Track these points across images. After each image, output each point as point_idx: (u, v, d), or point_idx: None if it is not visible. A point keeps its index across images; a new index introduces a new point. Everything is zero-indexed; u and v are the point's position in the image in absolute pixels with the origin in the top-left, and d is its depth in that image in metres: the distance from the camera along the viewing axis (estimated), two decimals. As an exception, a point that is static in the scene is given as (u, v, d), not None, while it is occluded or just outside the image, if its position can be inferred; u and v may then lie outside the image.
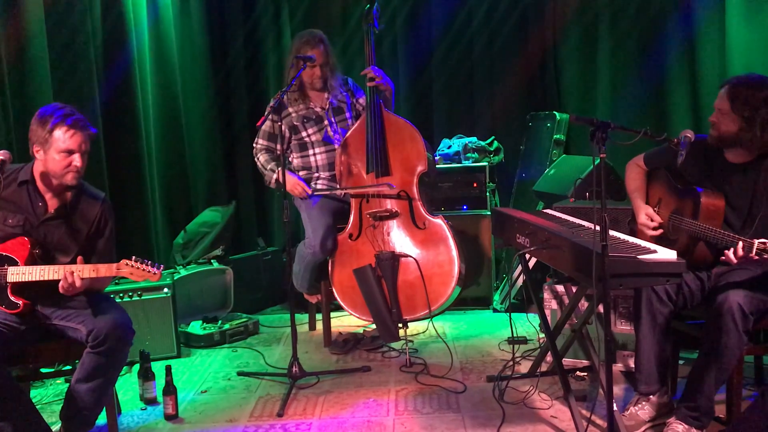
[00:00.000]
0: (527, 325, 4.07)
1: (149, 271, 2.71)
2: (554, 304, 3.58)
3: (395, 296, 3.75)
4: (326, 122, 4.06)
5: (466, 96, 5.29)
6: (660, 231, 2.94)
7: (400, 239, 3.83)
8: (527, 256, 3.41)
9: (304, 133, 4.07)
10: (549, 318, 3.45)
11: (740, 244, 2.50)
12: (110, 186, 4.29)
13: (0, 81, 3.71)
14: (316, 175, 4.12)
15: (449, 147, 4.83)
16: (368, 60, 3.91)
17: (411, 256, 3.77)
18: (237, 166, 5.38)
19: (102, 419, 2.91)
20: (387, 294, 3.74)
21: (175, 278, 4.18)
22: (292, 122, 4.06)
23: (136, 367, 3.57)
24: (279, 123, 3.54)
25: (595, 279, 2.38)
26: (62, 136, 2.73)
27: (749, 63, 4.00)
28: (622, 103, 4.82)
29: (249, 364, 3.92)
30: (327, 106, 4.07)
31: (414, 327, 4.26)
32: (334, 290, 3.92)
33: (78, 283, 2.68)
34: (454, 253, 3.74)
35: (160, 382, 3.32)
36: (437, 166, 4.48)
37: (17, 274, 2.71)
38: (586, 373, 3.41)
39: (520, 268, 4.29)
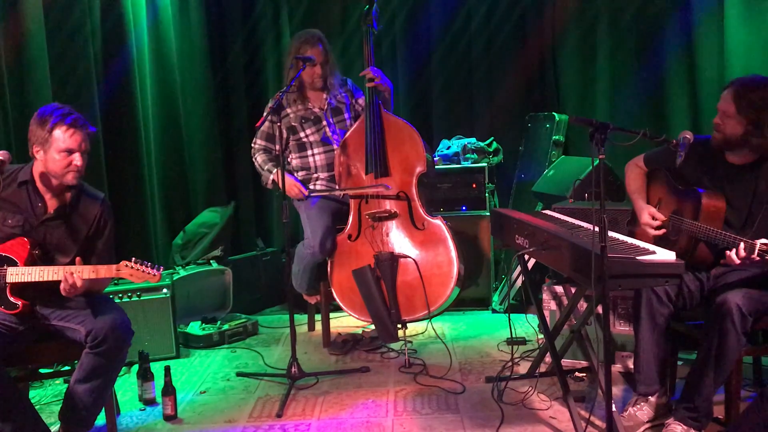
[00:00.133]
0: (526, 325, 4.07)
1: (149, 273, 2.71)
2: (553, 305, 3.58)
3: (394, 297, 3.75)
4: (324, 123, 4.06)
5: (465, 97, 5.29)
6: (663, 231, 2.94)
7: (399, 240, 3.83)
8: (526, 256, 3.41)
9: (302, 134, 4.07)
10: (548, 319, 3.45)
11: (742, 245, 2.50)
12: (109, 186, 4.29)
13: (-1, 81, 3.72)
14: (315, 175, 4.12)
15: (448, 148, 4.83)
16: (367, 61, 3.91)
17: (410, 257, 3.77)
18: (236, 166, 5.37)
19: (101, 420, 2.90)
20: (386, 295, 3.74)
21: (174, 279, 4.18)
22: (291, 123, 4.06)
23: (135, 367, 3.57)
24: (278, 124, 3.54)
25: (594, 280, 2.39)
26: (62, 136, 2.73)
27: (748, 64, 4.00)
28: (621, 104, 4.82)
29: (248, 364, 3.92)
30: (325, 107, 4.07)
31: (413, 328, 4.26)
32: (333, 291, 3.92)
33: (79, 284, 2.68)
34: (453, 253, 3.74)
35: (159, 382, 3.32)
36: (436, 166, 4.48)
37: (17, 274, 2.71)
38: (584, 374, 3.41)
39: (519, 268, 4.29)
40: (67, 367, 3.21)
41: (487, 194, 4.65)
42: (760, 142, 2.70)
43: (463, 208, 4.66)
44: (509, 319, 3.27)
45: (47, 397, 3.51)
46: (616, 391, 3.24)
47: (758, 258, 2.46)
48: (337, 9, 5.26)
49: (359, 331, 4.34)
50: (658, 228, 2.95)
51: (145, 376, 3.40)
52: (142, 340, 3.82)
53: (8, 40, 3.78)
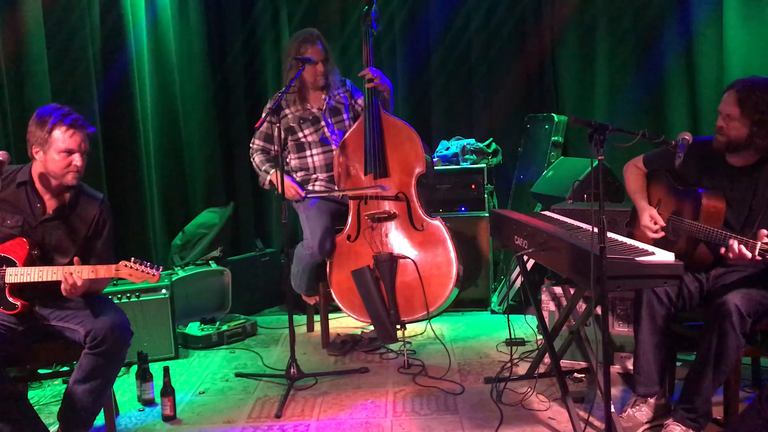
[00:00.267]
0: (525, 326, 4.07)
1: (148, 273, 2.71)
2: (552, 306, 3.58)
3: (393, 298, 3.75)
4: (323, 123, 4.06)
5: (464, 98, 5.30)
6: (662, 234, 2.94)
7: (398, 241, 3.83)
8: (525, 257, 3.41)
9: (300, 134, 4.07)
10: (547, 320, 3.45)
11: (736, 242, 2.51)
12: (108, 187, 4.29)
13: (-2, 82, 3.72)
14: (314, 176, 4.12)
15: (447, 149, 4.83)
16: (366, 61, 3.91)
17: (409, 258, 3.77)
18: (235, 167, 5.38)
19: (100, 420, 2.90)
20: (385, 295, 3.74)
21: (173, 279, 4.17)
22: (289, 123, 4.06)
23: (134, 368, 3.57)
24: (277, 125, 3.54)
25: (593, 281, 2.39)
26: (62, 136, 2.74)
27: (747, 64, 4.00)
28: (620, 105, 4.82)
29: (247, 365, 3.92)
30: (324, 107, 4.07)
31: (412, 328, 4.25)
32: (332, 291, 3.91)
33: (79, 284, 2.68)
34: (452, 254, 3.74)
35: (158, 383, 3.32)
36: (435, 167, 4.48)
37: (16, 275, 2.71)
38: (583, 375, 3.41)
39: (518, 269, 4.29)
40: (66, 368, 3.21)
41: (486, 195, 4.65)
42: (764, 143, 2.70)
43: (462, 209, 4.66)
44: (508, 320, 3.27)
45: (46, 397, 3.51)
46: (615, 391, 3.24)
47: (759, 258, 2.46)
48: (337, 9, 5.26)
49: (358, 331, 4.34)
50: (657, 232, 2.95)
51: (144, 376, 3.40)
52: (141, 341, 3.82)
53: (8, 40, 3.78)
